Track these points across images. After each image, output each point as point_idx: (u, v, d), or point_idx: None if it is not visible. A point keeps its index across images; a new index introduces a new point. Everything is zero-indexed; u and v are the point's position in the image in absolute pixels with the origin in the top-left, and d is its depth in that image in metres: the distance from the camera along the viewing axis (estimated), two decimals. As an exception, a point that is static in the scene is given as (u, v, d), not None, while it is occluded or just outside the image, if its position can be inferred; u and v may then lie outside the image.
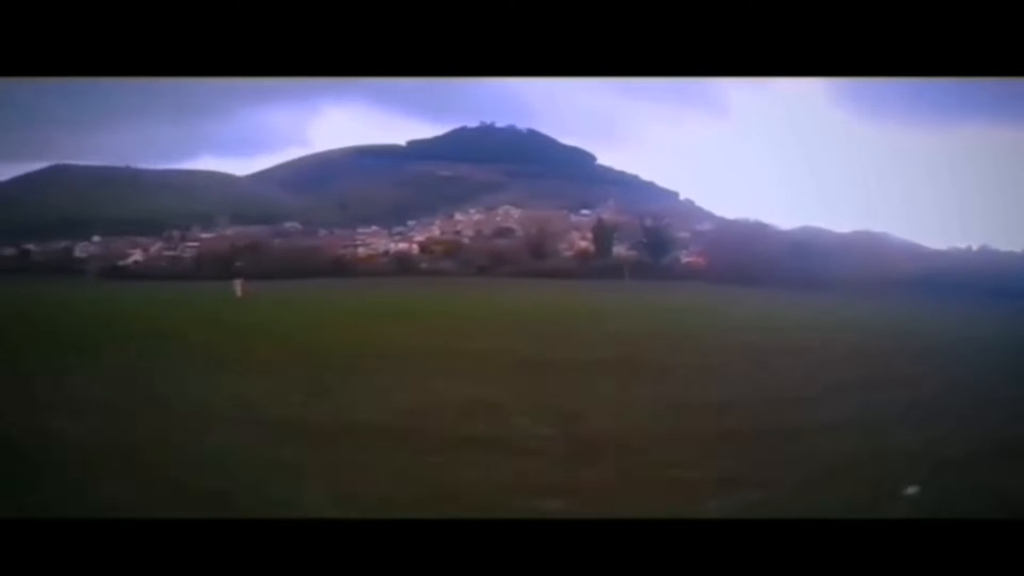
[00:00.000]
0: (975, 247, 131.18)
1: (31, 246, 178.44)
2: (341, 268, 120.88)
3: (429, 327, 30.39)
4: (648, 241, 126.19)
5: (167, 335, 25.90)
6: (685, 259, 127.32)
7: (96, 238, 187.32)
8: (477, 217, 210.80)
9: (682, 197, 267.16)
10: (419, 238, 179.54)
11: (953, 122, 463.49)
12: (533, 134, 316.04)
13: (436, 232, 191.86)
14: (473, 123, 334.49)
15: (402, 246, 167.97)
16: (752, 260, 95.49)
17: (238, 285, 49.76)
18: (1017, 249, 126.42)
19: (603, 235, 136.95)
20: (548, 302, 50.87)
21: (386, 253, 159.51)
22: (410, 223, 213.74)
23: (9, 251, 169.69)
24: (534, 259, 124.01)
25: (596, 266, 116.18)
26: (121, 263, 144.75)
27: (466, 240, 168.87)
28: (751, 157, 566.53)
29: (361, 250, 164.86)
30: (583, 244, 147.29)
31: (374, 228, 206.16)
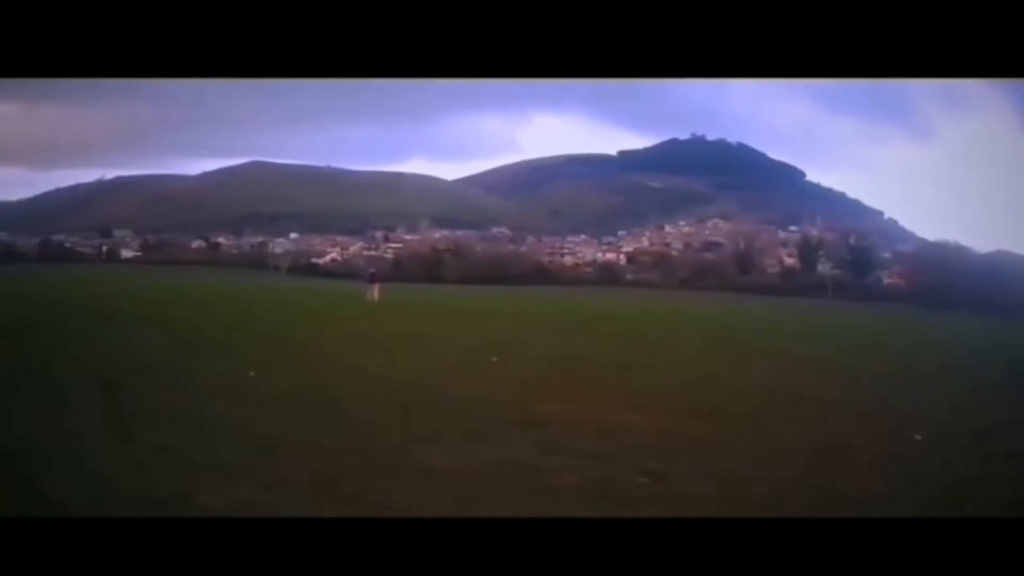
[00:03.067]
0: None
1: (221, 239, 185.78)
2: (544, 275, 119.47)
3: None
4: (852, 259, 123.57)
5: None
6: (887, 280, 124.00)
7: (293, 235, 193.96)
8: (687, 229, 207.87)
9: (886, 216, 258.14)
10: (627, 248, 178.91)
11: None
12: (743, 148, 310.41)
13: (645, 243, 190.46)
14: (683, 135, 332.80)
15: (610, 256, 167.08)
16: (952, 282, 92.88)
17: (375, 290, 48.79)
18: None
19: (808, 251, 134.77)
20: (744, 317, 50.09)
21: (593, 262, 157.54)
22: (620, 233, 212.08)
23: (197, 243, 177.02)
24: (739, 273, 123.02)
25: (799, 283, 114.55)
26: (317, 260, 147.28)
27: (675, 252, 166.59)
28: (953, 179, 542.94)
29: (568, 258, 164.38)
30: (789, 260, 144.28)
31: (583, 237, 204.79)
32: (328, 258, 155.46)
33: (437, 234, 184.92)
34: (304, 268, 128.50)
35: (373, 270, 66.06)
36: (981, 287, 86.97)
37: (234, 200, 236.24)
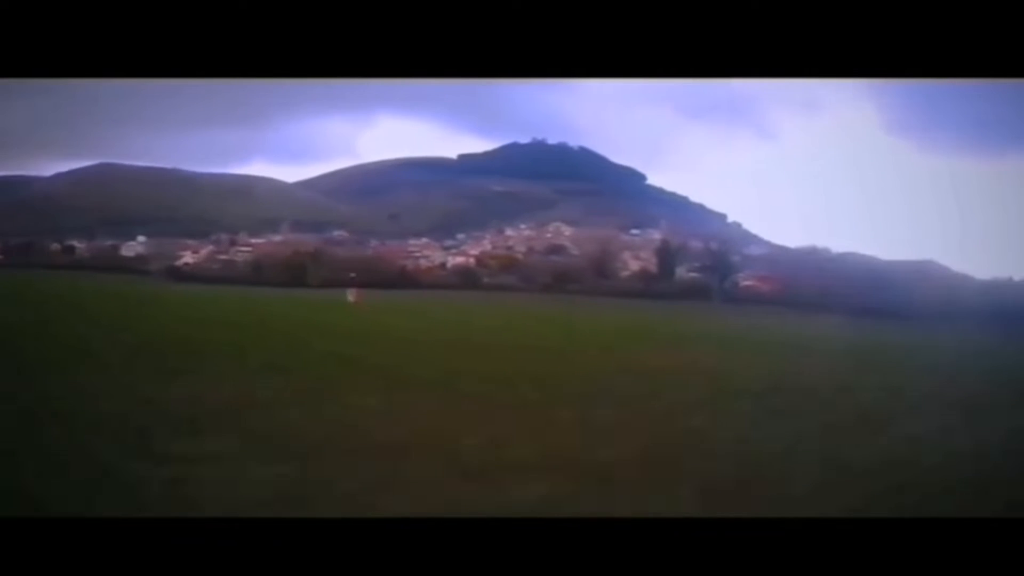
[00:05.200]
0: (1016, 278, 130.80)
1: (75, 243, 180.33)
2: (405, 279, 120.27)
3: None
4: (712, 264, 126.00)
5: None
6: (744, 283, 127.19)
7: (141, 238, 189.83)
8: (528, 233, 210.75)
9: (730, 220, 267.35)
10: (473, 252, 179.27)
11: (1008, 151, 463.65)
12: (584, 152, 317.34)
13: (488, 246, 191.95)
14: (524, 139, 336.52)
15: (459, 260, 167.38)
16: (806, 284, 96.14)
17: (352, 293, 50.96)
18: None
19: (667, 256, 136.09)
20: (652, 323, 50.81)
21: (443, 266, 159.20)
22: (460, 236, 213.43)
23: (54, 247, 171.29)
24: (599, 278, 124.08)
25: (662, 287, 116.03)
26: (175, 264, 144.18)
27: (519, 255, 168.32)
28: (799, 182, 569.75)
29: (422, 262, 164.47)
30: (637, 264, 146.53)
31: (425, 240, 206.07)
32: (181, 262, 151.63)
33: (279, 237, 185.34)
34: (169, 272, 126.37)
35: (353, 275, 70.47)
36: (835, 288, 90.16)
37: (86, 202, 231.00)
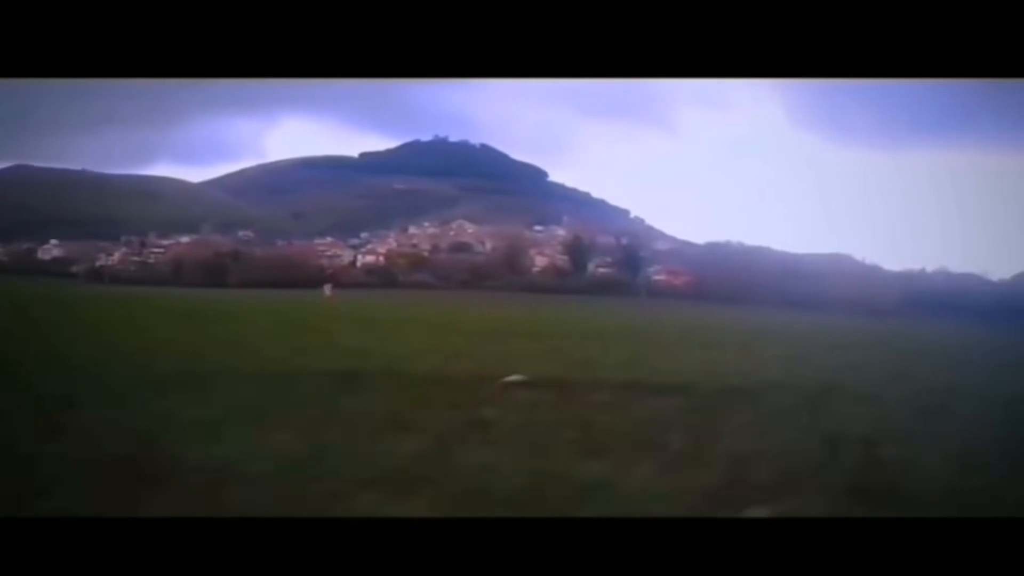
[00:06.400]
0: (929, 269, 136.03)
1: None
2: (324, 278, 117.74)
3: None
4: (624, 258, 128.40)
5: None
6: (655, 277, 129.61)
7: (54, 241, 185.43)
8: (432, 231, 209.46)
9: (632, 215, 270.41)
10: (381, 250, 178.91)
11: (906, 145, 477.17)
12: (486, 149, 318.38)
13: (393, 244, 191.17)
14: (426, 137, 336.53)
15: (370, 258, 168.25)
16: (733, 279, 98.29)
17: (327, 288, 51.34)
18: (972, 270, 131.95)
19: (579, 252, 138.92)
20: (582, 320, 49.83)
21: (353, 264, 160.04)
22: (364, 234, 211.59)
23: None
24: (512, 274, 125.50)
25: (575, 283, 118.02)
26: (95, 266, 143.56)
27: (425, 253, 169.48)
28: (705, 177, 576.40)
29: (336, 261, 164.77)
30: (543, 260, 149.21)
31: (330, 239, 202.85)
32: (97, 264, 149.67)
33: (186, 239, 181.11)
34: (89, 274, 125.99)
35: (330, 271, 68.79)
36: (747, 280, 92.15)
37: (2, 205, 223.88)
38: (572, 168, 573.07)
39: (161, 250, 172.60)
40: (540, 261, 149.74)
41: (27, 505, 4.98)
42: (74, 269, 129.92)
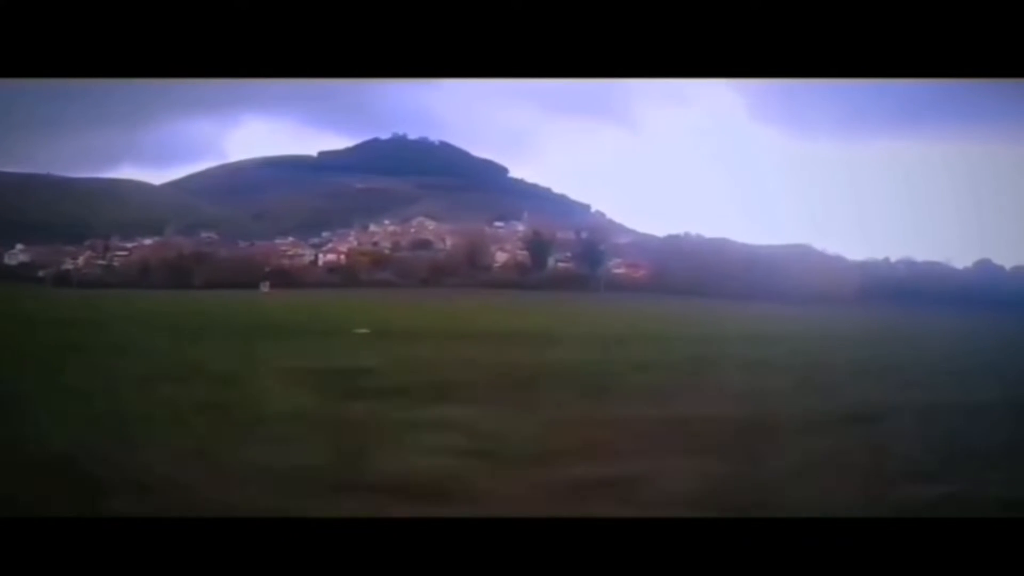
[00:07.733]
0: (893, 258, 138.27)
1: None
2: (289, 278, 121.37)
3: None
4: (583, 252, 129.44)
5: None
6: (615, 271, 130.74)
7: (20, 246, 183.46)
8: (393, 228, 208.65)
9: (593, 210, 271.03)
10: (342, 249, 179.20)
11: (862, 135, 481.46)
12: (445, 146, 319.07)
13: (354, 243, 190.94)
14: (384, 135, 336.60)
15: (331, 257, 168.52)
16: (692, 271, 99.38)
17: (264, 286, 51.99)
18: (935, 258, 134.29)
19: (540, 247, 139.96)
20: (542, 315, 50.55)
21: (314, 263, 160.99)
22: (325, 234, 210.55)
23: None
24: (474, 271, 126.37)
25: (536, 278, 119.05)
26: (62, 270, 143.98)
27: (386, 251, 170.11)
28: (664, 171, 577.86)
29: (298, 260, 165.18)
30: (504, 256, 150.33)
31: (291, 239, 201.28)
32: (63, 268, 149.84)
33: (149, 240, 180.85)
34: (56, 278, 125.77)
35: (268, 268, 69.08)
36: (707, 272, 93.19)
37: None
38: (533, 165, 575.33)
39: (126, 252, 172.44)
40: (500, 257, 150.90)
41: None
42: (41, 274, 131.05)
